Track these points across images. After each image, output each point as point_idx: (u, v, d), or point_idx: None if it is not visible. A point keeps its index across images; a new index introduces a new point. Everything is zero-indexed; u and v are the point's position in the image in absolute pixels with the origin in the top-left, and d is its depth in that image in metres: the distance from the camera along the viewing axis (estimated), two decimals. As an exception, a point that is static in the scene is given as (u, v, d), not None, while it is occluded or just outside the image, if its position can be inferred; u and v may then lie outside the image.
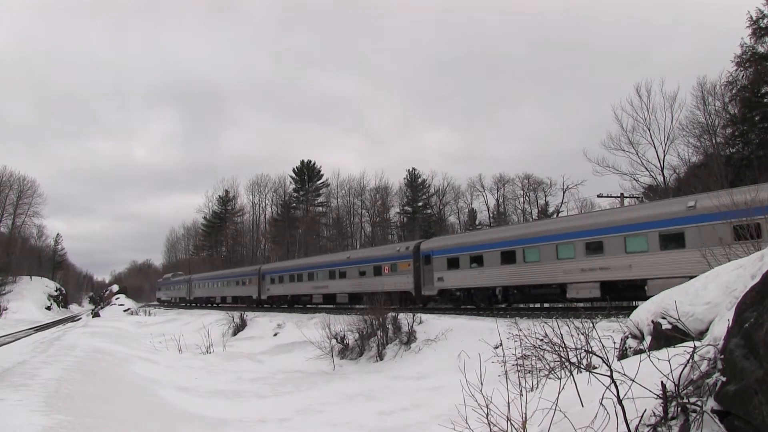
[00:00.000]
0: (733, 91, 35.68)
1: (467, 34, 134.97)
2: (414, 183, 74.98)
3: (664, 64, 75.39)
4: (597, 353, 5.76)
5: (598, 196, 39.87)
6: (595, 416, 4.52)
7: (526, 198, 67.75)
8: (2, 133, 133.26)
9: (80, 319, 60.64)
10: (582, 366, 6.91)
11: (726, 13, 70.96)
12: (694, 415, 3.88)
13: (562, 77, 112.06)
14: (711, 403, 3.77)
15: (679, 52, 79.78)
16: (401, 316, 20.44)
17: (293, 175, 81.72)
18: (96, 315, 65.19)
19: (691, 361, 4.20)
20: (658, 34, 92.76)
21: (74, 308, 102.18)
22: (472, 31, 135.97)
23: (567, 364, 7.52)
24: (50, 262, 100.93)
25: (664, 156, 39.91)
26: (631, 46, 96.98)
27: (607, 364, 4.83)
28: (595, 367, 5.95)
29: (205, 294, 60.88)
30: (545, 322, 9.60)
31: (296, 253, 67.94)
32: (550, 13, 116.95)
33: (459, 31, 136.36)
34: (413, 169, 75.35)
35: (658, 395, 4.07)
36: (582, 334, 8.35)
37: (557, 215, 55.30)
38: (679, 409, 3.98)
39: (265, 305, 44.89)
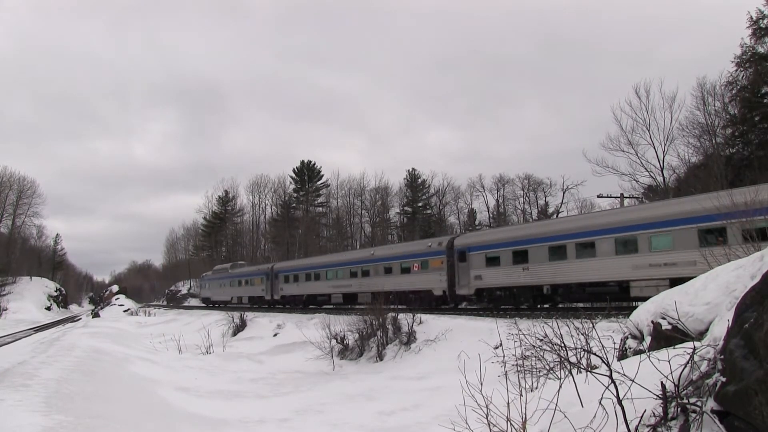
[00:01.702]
0: (733, 92, 35.71)
1: (470, 33, 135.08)
2: (414, 183, 75.04)
3: (667, 64, 75.42)
4: (597, 353, 5.76)
5: (598, 197, 39.94)
6: (595, 416, 4.52)
7: (526, 198, 67.87)
8: (2, 132, 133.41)
9: (80, 319, 60.62)
10: (582, 366, 6.91)
11: (726, 14, 71.01)
12: (693, 415, 3.88)
13: (565, 76, 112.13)
14: (711, 404, 3.77)
15: (682, 52, 79.82)
16: (401, 316, 20.46)
17: (293, 175, 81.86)
18: (96, 315, 65.16)
19: (690, 361, 4.20)
20: (662, 33, 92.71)
21: (74, 308, 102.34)
22: (475, 29, 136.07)
23: (567, 364, 7.52)
24: (50, 262, 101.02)
25: (664, 156, 39.97)
26: (635, 45, 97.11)
27: (606, 365, 4.83)
28: (595, 368, 5.94)
29: (306, 291, 38.76)
30: (545, 323, 9.60)
31: (296, 254, 67.39)
32: (553, 12, 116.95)
33: (462, 30, 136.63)
34: (413, 169, 75.60)
35: (657, 395, 4.07)
36: (582, 334, 8.35)
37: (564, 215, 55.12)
38: (679, 409, 3.98)
39: (467, 307, 27.31)
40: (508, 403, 5.26)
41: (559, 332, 8.46)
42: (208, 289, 60.27)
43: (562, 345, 8.14)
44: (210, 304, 58.85)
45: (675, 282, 19.82)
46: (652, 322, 6.39)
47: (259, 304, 45.28)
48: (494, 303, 24.79)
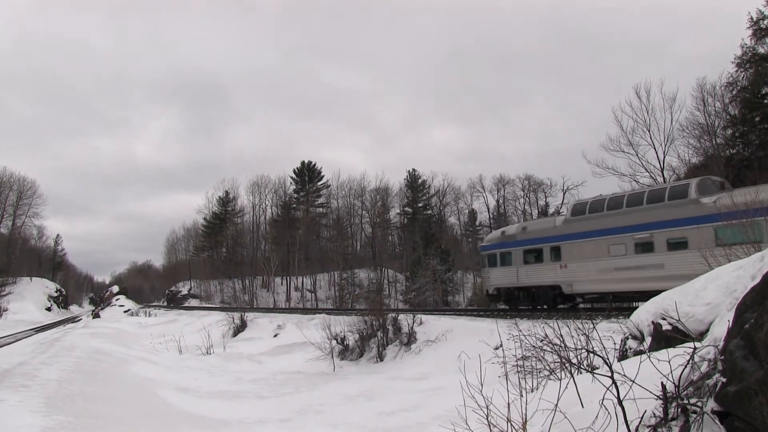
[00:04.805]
0: (734, 92, 35.69)
1: (478, 29, 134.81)
2: (414, 184, 75.09)
3: (677, 63, 75.01)
4: (598, 353, 5.76)
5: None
6: (596, 417, 4.51)
7: (526, 199, 67.94)
8: (1, 130, 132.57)
9: (80, 320, 60.64)
10: (582, 367, 6.90)
11: (726, 13, 70.92)
12: (694, 416, 3.87)
13: (575, 74, 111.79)
14: (711, 404, 3.76)
15: (689, 51, 79.56)
16: (401, 316, 20.45)
17: (293, 175, 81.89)
18: (96, 316, 65.20)
19: (691, 361, 4.20)
20: (675, 30, 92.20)
21: (74, 309, 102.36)
22: (483, 25, 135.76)
23: (567, 364, 7.52)
24: (50, 262, 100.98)
25: (664, 157, 39.93)
26: (645, 43, 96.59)
27: (608, 365, 4.83)
28: (595, 368, 5.94)
29: None
30: (546, 323, 9.61)
31: (296, 254, 67.50)
32: (564, 8, 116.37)
33: (470, 26, 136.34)
34: (413, 170, 75.68)
35: (658, 396, 4.06)
36: (582, 334, 8.35)
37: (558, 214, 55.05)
38: (680, 410, 3.98)
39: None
40: (509, 404, 5.26)
41: (559, 333, 8.46)
42: (536, 267, 22.83)
43: (563, 345, 8.14)
44: (531, 307, 22.76)
45: None
46: (653, 322, 6.39)
47: None
48: None
